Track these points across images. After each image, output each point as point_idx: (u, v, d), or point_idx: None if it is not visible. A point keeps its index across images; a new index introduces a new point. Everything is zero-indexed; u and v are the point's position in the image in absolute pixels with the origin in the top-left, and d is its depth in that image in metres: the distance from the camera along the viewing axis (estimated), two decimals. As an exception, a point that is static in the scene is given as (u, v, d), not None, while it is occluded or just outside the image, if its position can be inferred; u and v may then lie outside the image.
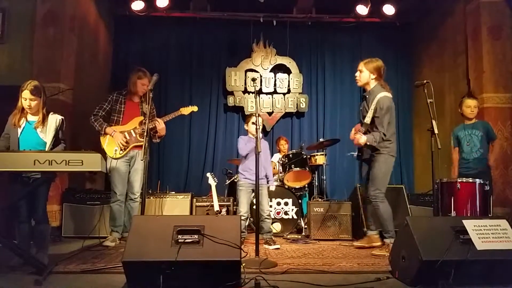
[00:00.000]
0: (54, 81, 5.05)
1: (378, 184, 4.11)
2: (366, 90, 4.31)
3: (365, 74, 4.24)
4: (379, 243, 4.26)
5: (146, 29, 7.23)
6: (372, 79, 4.23)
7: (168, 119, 4.68)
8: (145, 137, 3.69)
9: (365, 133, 4.16)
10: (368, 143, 4.09)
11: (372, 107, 4.12)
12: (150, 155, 4.50)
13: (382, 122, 4.07)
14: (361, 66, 4.28)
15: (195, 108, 4.95)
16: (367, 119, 4.16)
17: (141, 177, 4.51)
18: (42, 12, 5.31)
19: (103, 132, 4.50)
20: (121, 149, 4.48)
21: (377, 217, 4.20)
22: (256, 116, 4.05)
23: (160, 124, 4.57)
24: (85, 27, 5.93)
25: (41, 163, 2.92)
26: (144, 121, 4.46)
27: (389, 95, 4.18)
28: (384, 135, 4.05)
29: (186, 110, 4.83)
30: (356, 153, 4.53)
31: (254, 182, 4.38)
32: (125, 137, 4.49)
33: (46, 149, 3.51)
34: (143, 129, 4.25)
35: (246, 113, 7.21)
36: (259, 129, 3.87)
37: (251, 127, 4.65)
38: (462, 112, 4.73)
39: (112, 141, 4.50)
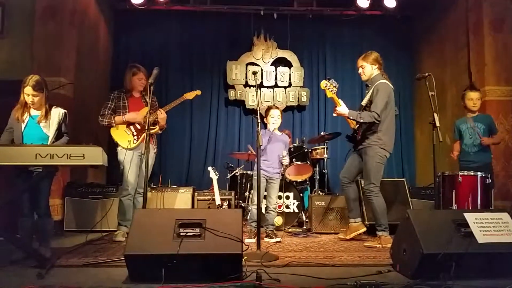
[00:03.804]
0: (54, 75, 5.04)
1: (371, 177, 4.12)
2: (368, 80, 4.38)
3: (367, 68, 4.29)
4: (362, 230, 4.32)
5: (146, 23, 7.20)
6: (374, 69, 4.28)
7: (172, 106, 4.62)
8: (146, 130, 3.68)
9: None
10: (349, 116, 4.13)
11: (371, 91, 4.17)
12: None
13: (376, 103, 4.07)
14: (361, 62, 4.33)
15: (198, 92, 4.85)
16: (364, 101, 4.24)
17: (148, 171, 4.47)
18: (42, 6, 5.29)
19: (114, 122, 4.42)
20: (134, 139, 4.45)
21: (355, 204, 4.35)
22: (273, 110, 4.48)
23: (161, 114, 4.50)
24: (85, 21, 5.90)
25: (42, 157, 2.92)
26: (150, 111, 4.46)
27: (389, 84, 4.21)
28: (378, 115, 4.03)
29: (190, 95, 4.76)
30: (347, 134, 4.53)
31: (268, 174, 4.56)
32: (137, 115, 4.44)
33: (48, 142, 3.52)
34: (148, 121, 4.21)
35: (247, 107, 7.22)
36: (259, 123, 3.86)
37: (269, 122, 4.67)
38: (465, 104, 4.72)
39: (124, 133, 4.46)
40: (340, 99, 4.22)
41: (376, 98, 4.08)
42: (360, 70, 4.36)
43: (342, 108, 4.15)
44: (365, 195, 4.21)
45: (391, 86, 4.23)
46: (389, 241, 3.80)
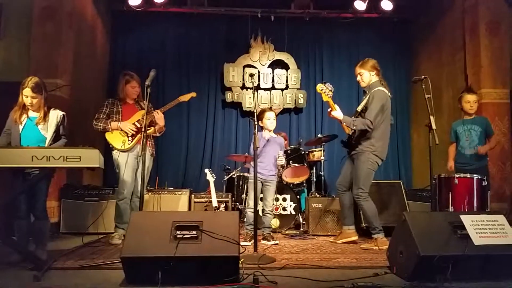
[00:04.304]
0: (51, 77, 5.02)
1: (360, 183, 4.15)
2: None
3: (366, 74, 4.31)
4: (354, 238, 4.34)
5: (144, 25, 7.19)
6: (373, 75, 4.30)
7: (167, 108, 4.60)
8: (142, 133, 3.68)
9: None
10: (343, 122, 4.19)
11: (367, 97, 4.21)
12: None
13: (370, 110, 4.09)
14: (358, 69, 4.36)
15: (194, 94, 4.81)
16: (359, 107, 4.27)
17: (145, 173, 4.47)
18: (40, 7, 5.28)
19: (109, 127, 4.41)
20: (129, 140, 4.44)
21: (350, 211, 4.38)
22: (268, 112, 4.47)
23: (157, 114, 4.47)
24: (83, 23, 5.90)
25: (39, 159, 2.92)
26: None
27: (386, 91, 4.22)
28: (371, 123, 4.06)
29: (185, 97, 4.70)
30: (342, 139, 4.54)
31: (264, 176, 4.54)
32: (134, 125, 4.43)
33: (46, 144, 3.51)
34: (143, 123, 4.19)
35: (244, 109, 7.22)
36: (256, 125, 3.87)
37: (266, 124, 4.65)
38: (462, 107, 4.74)
39: (118, 135, 4.45)
40: (336, 105, 4.25)
41: (371, 105, 4.11)
42: (358, 78, 4.38)
43: (337, 113, 4.20)
44: (355, 200, 4.25)
45: (388, 93, 4.24)
46: (386, 243, 3.82)
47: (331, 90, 4.27)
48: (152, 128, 4.49)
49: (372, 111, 4.08)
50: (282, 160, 4.63)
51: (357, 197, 4.16)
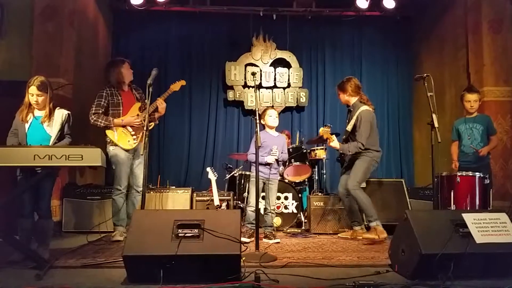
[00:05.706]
0: (53, 76, 4.99)
1: (358, 177, 4.37)
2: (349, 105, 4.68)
3: (341, 96, 4.68)
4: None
5: (145, 24, 7.18)
6: (348, 97, 4.59)
7: (164, 98, 4.61)
8: (144, 131, 3.68)
9: (346, 140, 4.57)
10: (340, 150, 4.50)
11: (354, 117, 4.43)
12: (150, 149, 4.52)
13: (361, 133, 4.36)
14: (336, 89, 4.74)
15: (183, 82, 4.87)
16: (348, 127, 4.52)
17: (138, 169, 4.51)
18: (41, 6, 5.27)
19: (112, 125, 4.39)
20: (134, 140, 4.45)
21: (357, 213, 4.57)
22: (270, 110, 4.60)
23: (161, 104, 4.51)
24: (84, 22, 5.90)
25: (41, 158, 2.93)
26: (143, 109, 4.50)
27: (370, 109, 4.48)
28: (363, 145, 4.34)
29: (176, 86, 4.77)
30: (337, 157, 4.88)
31: (266, 175, 4.57)
32: (136, 118, 4.46)
33: (50, 143, 3.54)
34: (143, 118, 4.18)
35: (246, 108, 7.22)
36: (258, 123, 3.87)
37: (268, 121, 4.67)
38: (463, 106, 4.73)
39: (122, 134, 4.44)
40: (333, 135, 4.47)
41: (360, 128, 4.36)
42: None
43: (335, 143, 4.43)
44: (350, 191, 4.37)
45: (372, 109, 4.49)
46: (384, 232, 4.08)
47: (330, 127, 4.49)
48: (153, 123, 4.51)
49: (362, 134, 4.35)
50: (273, 157, 4.55)
51: (353, 188, 4.32)
